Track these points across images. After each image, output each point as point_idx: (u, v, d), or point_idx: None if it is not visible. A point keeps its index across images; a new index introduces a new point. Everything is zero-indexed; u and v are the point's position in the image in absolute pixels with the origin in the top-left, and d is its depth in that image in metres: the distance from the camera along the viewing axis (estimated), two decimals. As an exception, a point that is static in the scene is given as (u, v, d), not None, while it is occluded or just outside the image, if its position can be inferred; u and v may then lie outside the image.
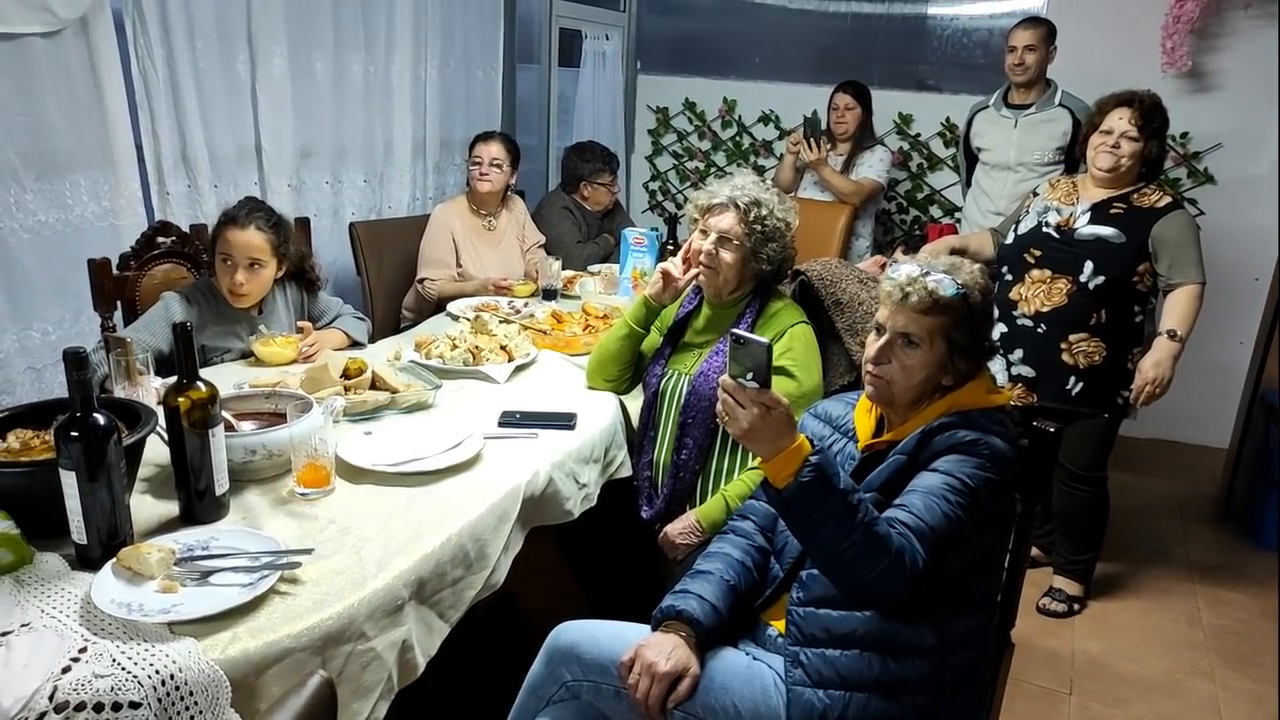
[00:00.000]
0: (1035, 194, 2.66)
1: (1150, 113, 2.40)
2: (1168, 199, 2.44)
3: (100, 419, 1.25)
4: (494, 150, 3.20)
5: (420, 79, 3.58)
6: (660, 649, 1.40)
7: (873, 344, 1.49)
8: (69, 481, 1.25)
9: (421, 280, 3.19)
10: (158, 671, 1.10)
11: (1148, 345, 2.49)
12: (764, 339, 1.28)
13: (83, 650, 1.12)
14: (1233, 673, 2.52)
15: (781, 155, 4.52)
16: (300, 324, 2.36)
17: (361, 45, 3.28)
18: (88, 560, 1.29)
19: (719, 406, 1.32)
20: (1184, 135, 3.77)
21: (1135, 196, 2.44)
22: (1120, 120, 2.40)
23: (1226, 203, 3.80)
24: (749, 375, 1.28)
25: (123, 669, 1.10)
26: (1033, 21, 3.34)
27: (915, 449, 1.42)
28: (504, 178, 3.25)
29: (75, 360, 1.24)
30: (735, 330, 1.32)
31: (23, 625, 1.16)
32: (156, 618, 1.18)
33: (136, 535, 1.36)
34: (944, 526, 1.31)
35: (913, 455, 1.41)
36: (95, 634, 1.16)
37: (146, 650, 1.13)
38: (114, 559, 1.27)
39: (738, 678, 1.42)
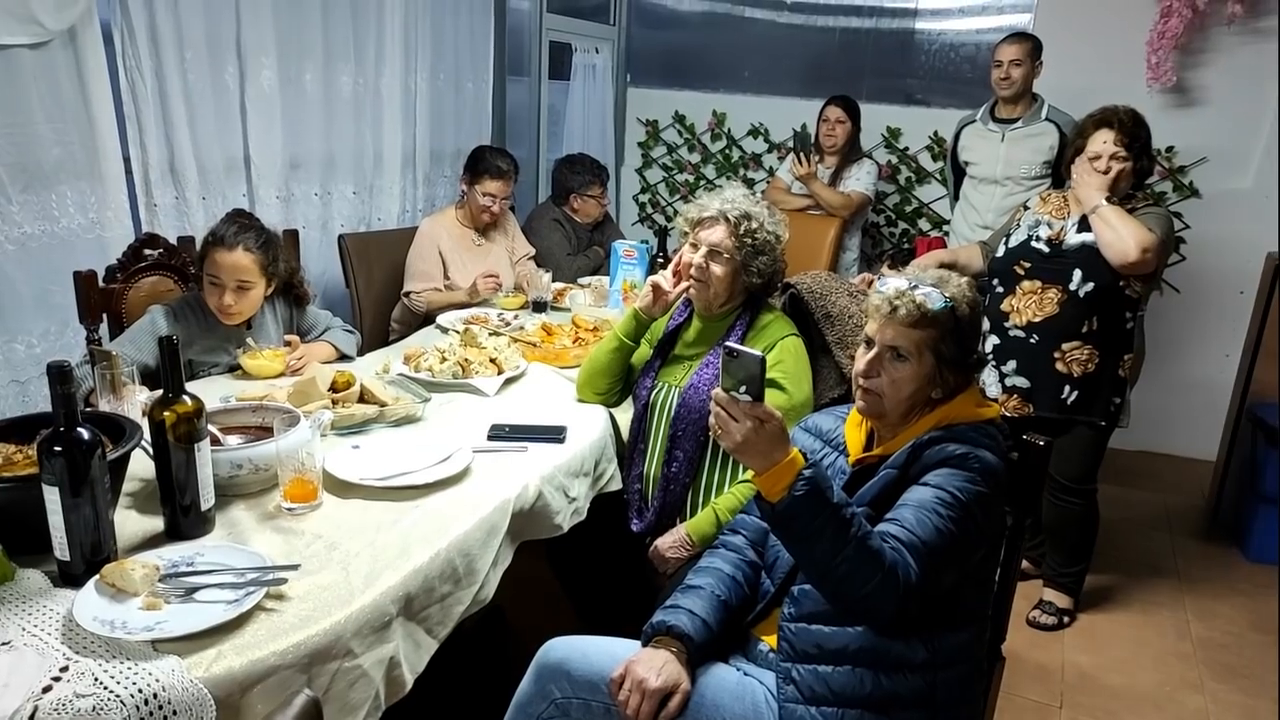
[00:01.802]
0: (1026, 207, 2.67)
1: (1133, 130, 2.41)
2: (1148, 201, 2.46)
3: (84, 433, 1.23)
4: (508, 188, 3.24)
5: (410, 91, 3.58)
6: (651, 665, 1.39)
7: (862, 357, 1.49)
8: (52, 497, 1.23)
9: (407, 294, 3.18)
10: (140, 690, 1.09)
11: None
12: (757, 352, 1.28)
13: (64, 669, 1.11)
14: (1222, 685, 2.52)
15: (772, 169, 4.54)
16: (288, 337, 2.35)
17: (351, 57, 3.28)
18: (70, 577, 1.28)
19: (712, 420, 1.32)
20: (1169, 149, 3.80)
21: (1120, 205, 2.45)
22: (1105, 144, 2.41)
23: (1212, 216, 3.83)
24: (742, 388, 1.28)
25: (105, 688, 1.08)
26: (1019, 37, 3.37)
27: (906, 463, 1.42)
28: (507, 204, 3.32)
29: (59, 374, 1.23)
30: (728, 343, 1.32)
31: (2, 644, 1.14)
32: (140, 635, 1.16)
33: (120, 551, 1.35)
34: (936, 540, 1.31)
35: (903, 469, 1.41)
36: (77, 652, 1.14)
37: (129, 669, 1.11)
38: (97, 575, 1.26)
39: (729, 694, 1.42)
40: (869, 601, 1.29)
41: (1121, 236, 2.32)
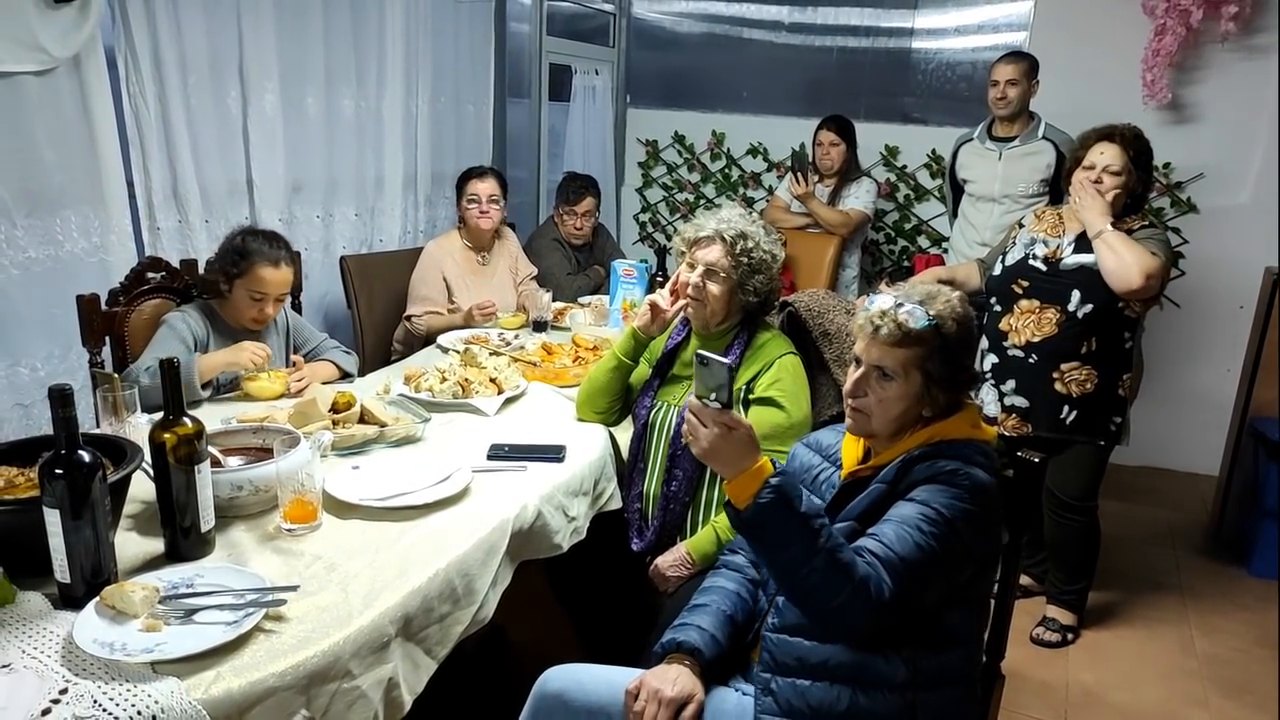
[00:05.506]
0: (1021, 225, 2.68)
1: (1134, 143, 2.43)
2: (1145, 223, 2.46)
3: (85, 456, 1.24)
4: (490, 187, 3.22)
5: (411, 114, 3.62)
6: (665, 676, 1.40)
7: (850, 376, 1.49)
8: (52, 519, 1.24)
9: (408, 317, 3.18)
10: (140, 712, 1.09)
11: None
12: (725, 359, 1.30)
13: (63, 691, 1.11)
14: (1227, 701, 2.51)
15: (771, 188, 4.57)
16: (294, 358, 2.38)
17: (353, 81, 3.31)
18: (70, 599, 1.28)
19: (684, 426, 1.34)
20: (1166, 165, 3.82)
21: (1116, 226, 2.46)
22: (1102, 155, 2.43)
23: (1210, 232, 3.85)
24: (712, 395, 1.30)
25: (104, 710, 1.08)
26: (1015, 56, 3.39)
27: (896, 478, 1.41)
28: (501, 213, 3.28)
29: (60, 397, 1.24)
30: (700, 350, 1.34)
31: (2, 666, 1.15)
32: (139, 657, 1.17)
33: (120, 573, 1.35)
34: (915, 557, 1.30)
35: (893, 484, 1.41)
36: (76, 674, 1.15)
37: (128, 691, 1.12)
38: (97, 598, 1.26)
39: (728, 716, 1.42)
40: (839, 615, 1.29)
41: (1126, 264, 2.31)
